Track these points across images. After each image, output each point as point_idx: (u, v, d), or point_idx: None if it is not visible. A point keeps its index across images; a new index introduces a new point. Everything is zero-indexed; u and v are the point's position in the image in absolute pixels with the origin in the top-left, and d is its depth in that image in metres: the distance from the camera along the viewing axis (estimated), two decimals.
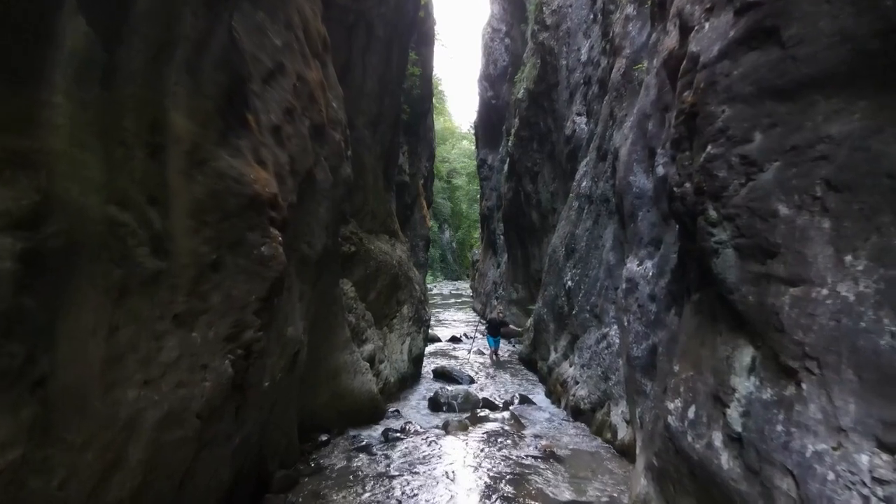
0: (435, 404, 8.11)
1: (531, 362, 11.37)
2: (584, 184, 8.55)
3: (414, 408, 8.37)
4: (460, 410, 7.81)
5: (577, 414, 7.19)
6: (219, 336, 2.95)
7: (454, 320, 22.53)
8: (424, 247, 21.62)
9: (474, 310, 25.89)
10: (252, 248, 3.25)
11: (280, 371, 4.39)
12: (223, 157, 3.04)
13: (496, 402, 8.22)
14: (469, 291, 35.69)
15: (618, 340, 6.34)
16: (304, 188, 4.63)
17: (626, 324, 5.59)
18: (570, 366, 8.21)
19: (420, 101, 20.12)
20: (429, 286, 42.17)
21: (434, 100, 30.08)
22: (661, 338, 4.70)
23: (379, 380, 8.65)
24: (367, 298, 9.16)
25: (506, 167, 16.60)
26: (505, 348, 14.32)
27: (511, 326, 13.15)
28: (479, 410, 7.58)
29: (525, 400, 8.25)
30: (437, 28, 21.36)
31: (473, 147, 50.37)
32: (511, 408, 7.85)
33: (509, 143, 15.21)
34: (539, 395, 9.11)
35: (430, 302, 29.76)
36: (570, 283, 8.62)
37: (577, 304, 7.98)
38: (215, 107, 3.04)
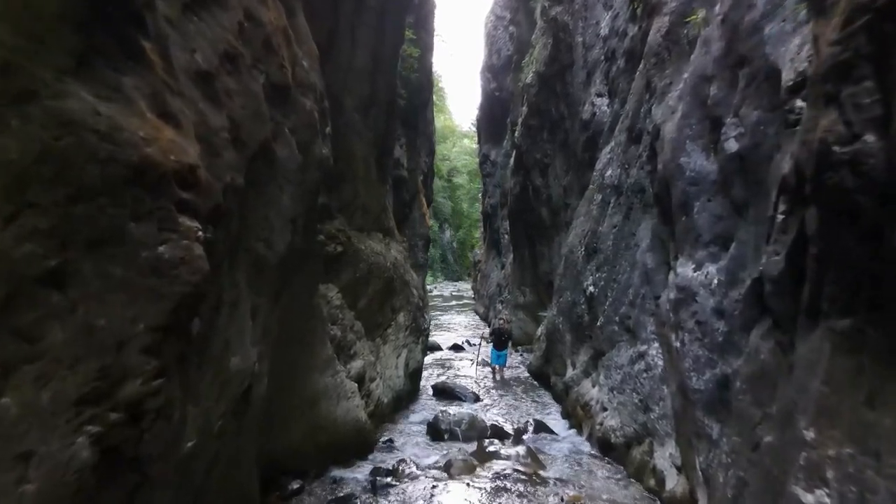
0: (435, 432, 6.90)
1: (542, 376, 10.16)
2: (608, 173, 7.33)
3: (410, 435, 7.16)
4: (465, 439, 6.60)
5: (606, 448, 5.98)
6: (64, 398, 1.74)
7: (455, 325, 21.31)
8: (424, 247, 20.40)
9: (476, 313, 24.67)
10: (140, 248, 2.03)
11: (221, 418, 3.18)
12: (79, 94, 1.83)
13: (507, 430, 7.00)
14: (470, 293, 34.49)
15: (661, 363, 5.13)
16: (257, 167, 3.42)
17: (677, 344, 4.37)
18: (594, 386, 6.99)
19: (419, 90, 18.92)
20: (429, 287, 40.96)
21: (434, 96, 28.98)
22: (739, 369, 3.48)
23: (370, 402, 7.43)
24: (357, 306, 7.95)
25: (511, 160, 15.38)
26: (511, 360, 13.10)
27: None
28: (487, 441, 6.36)
29: (541, 427, 7.03)
30: (437, 16, 20.20)
31: (474, 145, 49.22)
32: (525, 438, 6.63)
33: (515, 135, 14.00)
34: (555, 419, 7.90)
35: (430, 304, 28.59)
36: (591, 288, 7.40)
37: (603, 314, 6.76)
38: (69, 12, 1.82)
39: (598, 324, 6.81)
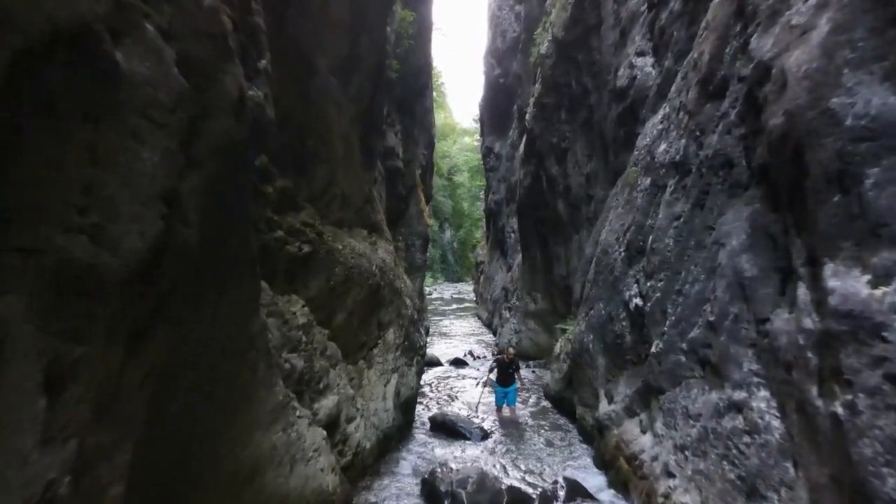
0: (432, 496, 5.12)
1: (564, 403, 8.37)
2: (660, 148, 5.53)
3: (399, 498, 5.36)
4: None
5: None
6: None
7: (456, 332, 19.51)
8: (422, 247, 18.59)
9: (479, 318, 22.88)
10: None
11: None
12: None
13: (529, 494, 5.19)
14: (472, 295, 32.71)
15: (776, 423, 3.34)
16: (53, 76, 1.65)
17: (838, 410, 2.59)
18: (646, 432, 5.20)
19: (416, 73, 17.11)
20: (428, 289, 39.19)
21: (434, 92, 27.12)
22: None
23: (345, 451, 5.65)
24: (332, 323, 6.18)
25: (521, 149, 13.58)
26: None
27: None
28: None
29: (575, 489, 5.21)
30: (436, 9, 18.40)
31: (475, 142, 47.44)
32: None
33: (526, 118, 12.21)
34: (587, 468, 6.12)
35: (430, 307, 26.79)
36: (637, 300, 5.61)
37: (660, 337, 4.96)
38: None
39: (654, 350, 5.01)
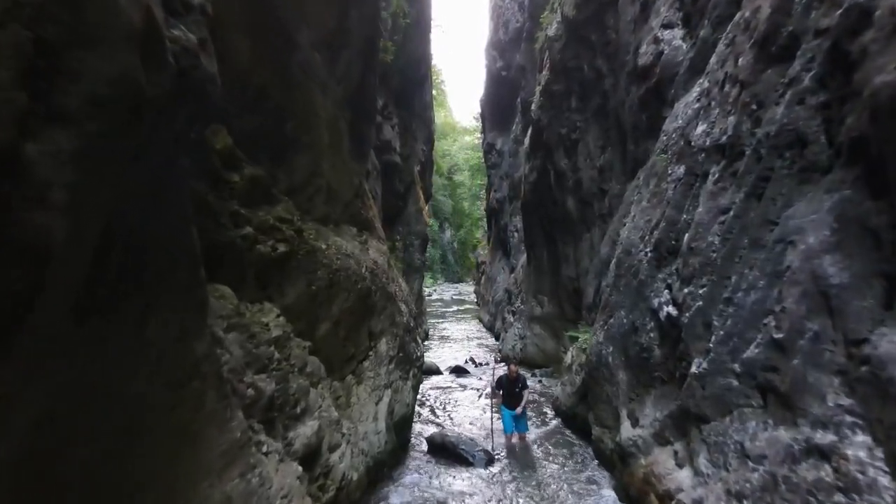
0: None
1: (576, 420, 7.53)
2: (697, 131, 4.70)
3: None
4: None
5: None
6: None
7: (457, 336, 18.68)
8: (421, 246, 17.78)
9: (480, 321, 22.04)
10: None
11: None
12: None
13: None
14: (473, 296, 31.87)
15: (885, 481, 2.50)
16: None
17: None
18: (683, 467, 4.37)
19: (414, 63, 16.22)
20: (428, 290, 38.33)
21: (434, 90, 26.23)
22: None
23: (327, 485, 4.81)
24: (315, 333, 5.35)
25: (526, 142, 12.74)
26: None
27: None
28: None
29: None
30: (435, 6, 17.49)
31: (476, 140, 46.60)
32: None
33: (532, 108, 11.37)
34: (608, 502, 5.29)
35: (429, 309, 25.94)
36: (669, 309, 4.78)
37: (702, 354, 4.13)
38: None
39: (695, 369, 4.17)
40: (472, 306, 28.45)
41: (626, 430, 5.58)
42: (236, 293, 4.27)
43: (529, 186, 11.96)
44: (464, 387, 10.19)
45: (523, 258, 14.92)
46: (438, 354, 14.60)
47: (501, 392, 7.03)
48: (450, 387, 10.26)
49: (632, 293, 5.70)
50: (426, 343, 16.86)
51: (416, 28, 15.03)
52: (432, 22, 17.80)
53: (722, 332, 3.90)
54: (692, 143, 4.76)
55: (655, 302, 5.12)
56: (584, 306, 9.04)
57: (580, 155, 9.27)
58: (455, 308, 28.54)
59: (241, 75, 4.64)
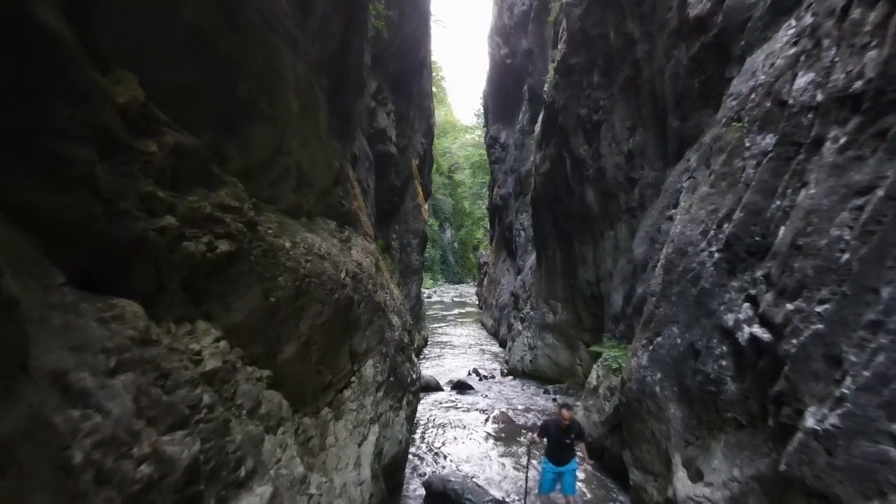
0: None
1: (605, 454, 6.23)
2: (801, 82, 3.39)
3: None
4: None
5: None
6: None
7: (458, 342, 17.36)
8: (420, 246, 16.46)
9: (483, 325, 20.72)
10: None
11: None
12: None
13: None
14: (474, 298, 30.57)
15: None
16: None
17: None
18: None
19: (412, 46, 14.86)
20: (427, 291, 37.02)
21: (434, 88, 24.92)
22: None
23: None
24: (276, 358, 4.07)
25: (537, 128, 11.41)
26: (536, 399, 9.15)
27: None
28: None
29: None
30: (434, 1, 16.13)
31: (476, 138, 45.35)
32: None
33: (545, 89, 10.07)
34: None
35: (428, 313, 24.64)
36: (754, 329, 3.48)
37: (833, 406, 2.81)
38: None
39: (811, 423, 2.85)
40: (473, 309, 27.15)
41: (684, 485, 4.26)
42: (150, 310, 2.97)
43: (541, 178, 10.64)
44: (468, 407, 8.88)
45: (531, 259, 13.61)
46: (438, 364, 13.29)
47: (546, 440, 5.13)
48: (451, 406, 8.95)
49: (689, 305, 4.39)
50: (425, 350, 15.58)
51: (415, 8, 13.74)
52: (432, 17, 16.52)
53: (867, 374, 2.58)
54: (788, 102, 3.44)
55: (729, 318, 3.81)
56: (609, 316, 7.73)
57: (603, 139, 7.96)
58: (456, 311, 27.23)
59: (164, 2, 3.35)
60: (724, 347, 3.88)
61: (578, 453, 5.19)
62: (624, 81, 7.28)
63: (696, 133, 5.26)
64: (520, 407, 8.83)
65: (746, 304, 3.66)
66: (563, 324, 10.49)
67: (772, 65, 3.79)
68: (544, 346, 10.92)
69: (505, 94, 19.29)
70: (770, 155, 3.57)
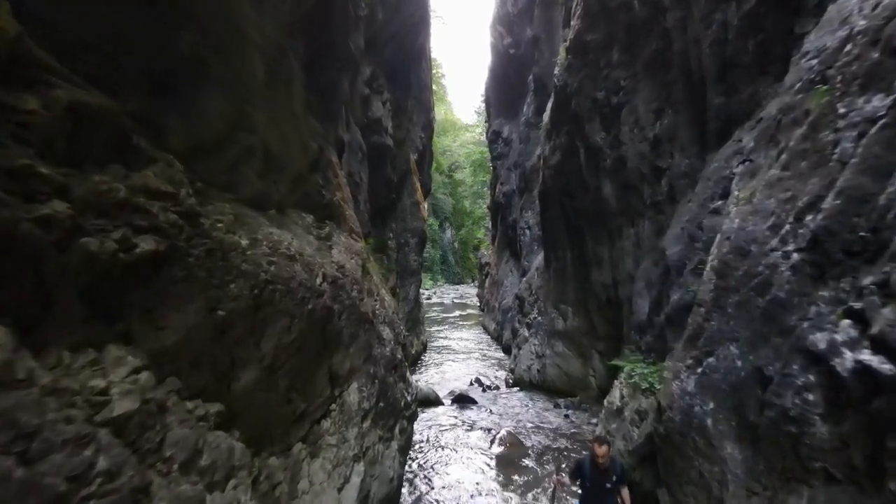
0: None
1: (639, 494, 5.29)
2: None
3: None
4: None
5: None
6: None
7: (458, 347, 16.45)
8: (418, 246, 15.54)
9: (485, 329, 19.81)
10: None
11: None
12: None
13: None
14: (475, 299, 29.65)
15: None
16: None
17: None
18: None
19: (410, 30, 13.93)
20: (427, 292, 36.07)
21: (434, 85, 23.99)
22: None
23: None
24: (231, 388, 3.17)
25: (546, 116, 10.49)
26: (544, 415, 8.23)
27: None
28: None
29: None
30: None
31: (478, 137, 44.41)
32: None
33: (556, 73, 9.17)
34: None
35: (428, 315, 23.69)
36: (865, 356, 2.57)
37: None
38: None
39: None
40: (474, 311, 26.25)
41: None
42: (28, 334, 2.08)
43: (550, 171, 9.72)
44: (470, 425, 7.96)
45: (538, 259, 12.70)
46: (438, 372, 12.39)
47: (580, 485, 4.12)
48: (453, 424, 8.03)
49: (754, 319, 3.47)
50: (424, 356, 14.68)
51: None
52: (431, 9, 15.58)
53: None
54: None
55: (819, 339, 2.89)
56: (632, 324, 6.82)
57: (623, 125, 7.04)
58: (457, 313, 26.31)
59: None
60: (811, 377, 2.97)
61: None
62: (650, 57, 6.36)
63: (749, 108, 4.35)
64: (529, 425, 7.91)
65: (847, 322, 2.75)
66: (574, 330, 9.57)
67: (877, 4, 2.87)
68: (553, 354, 10.00)
69: (508, 87, 18.38)
70: (882, 122, 2.65)
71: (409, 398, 5.16)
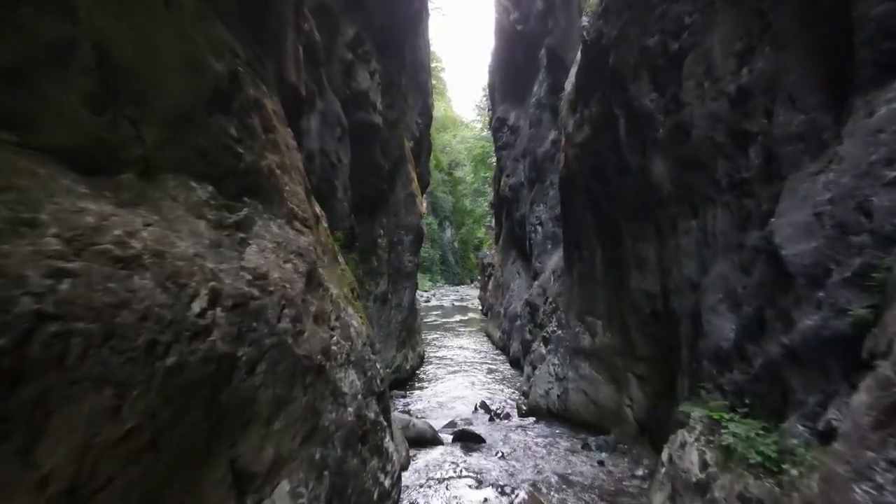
0: None
1: None
2: None
3: None
4: None
5: None
6: None
7: (460, 358, 14.55)
8: (414, 244, 13.63)
9: (489, 337, 17.89)
10: None
11: None
12: None
13: None
14: (476, 302, 27.74)
15: None
16: None
17: None
18: None
19: None
20: (426, 294, 34.14)
21: (434, 81, 22.16)
22: None
23: None
24: None
25: (569, 86, 8.59)
26: (562, 459, 6.35)
27: None
28: None
29: None
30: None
31: (479, 132, 42.46)
32: None
33: (584, 23, 7.28)
34: None
35: (426, 321, 21.82)
36: None
37: None
38: None
39: None
40: (476, 315, 24.37)
41: None
42: None
43: (575, 151, 7.83)
44: (477, 478, 6.07)
45: (553, 261, 10.82)
46: (436, 393, 10.51)
47: None
48: (453, 475, 6.14)
49: None
50: (420, 371, 12.81)
51: None
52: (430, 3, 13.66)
53: None
54: None
55: None
56: (704, 352, 4.93)
57: (687, 78, 5.17)
58: (457, 318, 24.42)
59: None
60: None
61: None
62: None
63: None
64: (553, 478, 6.04)
65: None
66: (604, 349, 7.69)
67: None
68: (578, 377, 8.12)
69: (514, 69, 16.49)
70: None
71: (387, 484, 3.28)
